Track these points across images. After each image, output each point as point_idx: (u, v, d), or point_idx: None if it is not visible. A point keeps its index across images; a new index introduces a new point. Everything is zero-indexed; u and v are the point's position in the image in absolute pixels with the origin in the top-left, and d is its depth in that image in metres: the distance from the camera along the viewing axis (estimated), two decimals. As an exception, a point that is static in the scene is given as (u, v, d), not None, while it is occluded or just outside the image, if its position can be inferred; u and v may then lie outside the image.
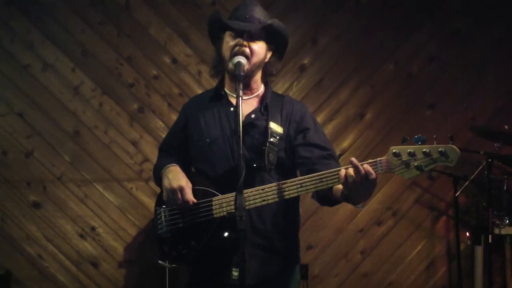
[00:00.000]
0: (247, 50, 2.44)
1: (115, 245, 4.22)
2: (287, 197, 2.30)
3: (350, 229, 4.42)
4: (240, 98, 2.22)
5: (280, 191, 2.29)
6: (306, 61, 4.39)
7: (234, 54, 2.42)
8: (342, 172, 2.14)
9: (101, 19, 4.20)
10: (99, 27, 4.20)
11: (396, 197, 4.42)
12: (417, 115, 4.43)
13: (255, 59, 2.48)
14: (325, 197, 2.41)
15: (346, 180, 2.12)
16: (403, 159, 2.07)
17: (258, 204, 2.32)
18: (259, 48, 2.48)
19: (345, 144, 4.40)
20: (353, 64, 4.41)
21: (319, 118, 4.31)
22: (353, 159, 2.11)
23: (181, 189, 2.44)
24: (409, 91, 4.45)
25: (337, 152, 4.31)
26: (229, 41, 2.47)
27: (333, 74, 4.40)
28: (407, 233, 4.44)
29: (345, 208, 4.36)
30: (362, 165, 2.09)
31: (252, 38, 2.45)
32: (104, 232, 4.21)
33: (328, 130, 4.34)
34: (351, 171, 2.11)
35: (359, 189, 2.13)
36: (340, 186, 2.22)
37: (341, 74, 4.41)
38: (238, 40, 2.44)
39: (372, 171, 2.09)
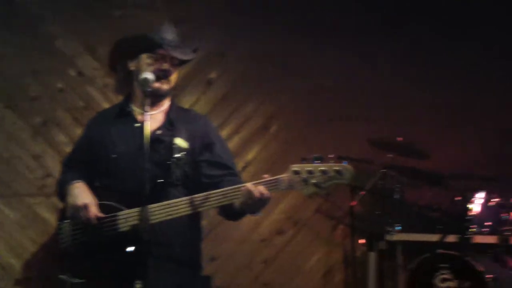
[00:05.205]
0: (171, 76, 2.73)
1: (13, 262, 4.23)
2: (192, 211, 2.57)
3: (253, 240, 4.75)
4: (147, 113, 2.46)
5: (185, 206, 2.56)
6: (213, 75, 4.68)
7: (157, 78, 2.67)
8: (244, 189, 2.49)
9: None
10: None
11: (297, 207, 4.81)
12: (320, 128, 4.83)
13: (173, 82, 2.79)
14: (229, 211, 2.71)
15: (247, 198, 2.47)
16: (302, 177, 2.43)
17: (164, 219, 2.56)
18: (175, 72, 2.79)
19: (249, 156, 4.74)
20: (260, 77, 4.77)
21: (225, 131, 4.63)
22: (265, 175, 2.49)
23: (85, 206, 2.64)
24: (312, 105, 4.86)
25: (242, 164, 4.64)
26: (149, 63, 2.71)
27: (240, 87, 4.73)
28: (307, 241, 4.83)
29: (248, 219, 4.57)
30: (257, 188, 2.45)
31: (173, 63, 2.74)
32: (3, 249, 4.21)
33: (234, 142, 4.67)
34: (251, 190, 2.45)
35: (257, 204, 2.50)
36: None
37: (248, 87, 4.75)
38: (163, 65, 2.71)
39: (267, 194, 2.45)
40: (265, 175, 2.50)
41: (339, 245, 4.89)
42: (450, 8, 4.97)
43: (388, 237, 4.47)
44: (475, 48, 4.94)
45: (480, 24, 4.96)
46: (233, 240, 4.70)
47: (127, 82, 2.84)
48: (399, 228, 4.50)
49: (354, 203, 4.53)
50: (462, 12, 4.97)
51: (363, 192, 4.52)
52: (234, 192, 2.52)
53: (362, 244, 4.68)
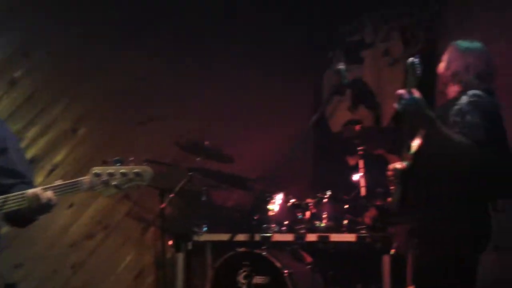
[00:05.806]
0: None
1: None
2: None
3: (61, 244, 4.68)
4: None
5: None
6: (17, 74, 4.52)
7: None
8: (29, 194, 2.43)
9: None
10: None
11: (107, 211, 4.83)
12: (131, 131, 4.93)
13: None
14: (13, 219, 2.60)
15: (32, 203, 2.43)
16: (103, 179, 2.50)
17: None
18: None
19: (57, 159, 4.67)
20: (67, 78, 4.71)
21: (31, 133, 4.53)
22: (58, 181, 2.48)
23: None
24: (122, 107, 4.92)
25: (49, 167, 4.55)
26: None
27: (46, 88, 4.64)
28: (118, 245, 4.89)
29: (57, 223, 4.64)
30: (46, 193, 2.43)
31: None
32: None
33: (40, 145, 4.57)
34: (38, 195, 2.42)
35: (43, 209, 2.47)
36: None
37: (55, 88, 4.67)
38: None
39: (55, 199, 2.44)
40: (59, 181, 2.49)
41: (150, 247, 5.00)
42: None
43: (196, 238, 4.67)
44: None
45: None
46: (40, 245, 4.58)
47: None
48: (206, 229, 4.71)
49: (163, 205, 4.66)
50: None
51: (172, 195, 4.67)
52: (17, 197, 2.45)
53: (171, 245, 4.82)
